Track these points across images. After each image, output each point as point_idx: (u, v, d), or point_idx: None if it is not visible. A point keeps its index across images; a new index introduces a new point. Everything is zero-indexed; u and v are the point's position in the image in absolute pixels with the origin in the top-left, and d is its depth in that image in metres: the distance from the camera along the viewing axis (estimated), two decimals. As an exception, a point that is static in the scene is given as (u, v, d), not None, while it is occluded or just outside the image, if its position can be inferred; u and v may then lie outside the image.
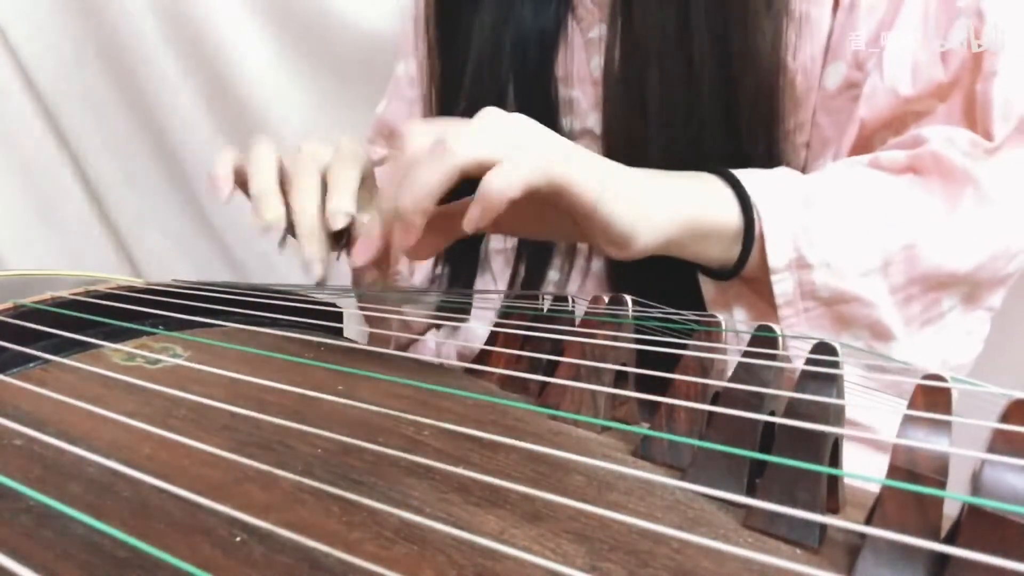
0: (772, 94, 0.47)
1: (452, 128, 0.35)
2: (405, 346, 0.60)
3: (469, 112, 0.57)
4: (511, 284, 0.57)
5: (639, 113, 0.49)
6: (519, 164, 0.33)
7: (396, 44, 0.69)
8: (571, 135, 0.54)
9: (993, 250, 0.44)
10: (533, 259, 0.56)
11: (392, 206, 0.33)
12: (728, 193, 0.43)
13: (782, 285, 0.43)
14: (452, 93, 0.57)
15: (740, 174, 0.43)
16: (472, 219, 0.32)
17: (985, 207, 0.44)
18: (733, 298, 0.46)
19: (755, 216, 0.42)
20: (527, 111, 0.54)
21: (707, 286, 0.47)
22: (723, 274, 0.45)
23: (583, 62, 0.53)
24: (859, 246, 0.43)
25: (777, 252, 0.43)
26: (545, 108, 0.54)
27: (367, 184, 0.44)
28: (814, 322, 0.44)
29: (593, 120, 0.53)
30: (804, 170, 0.50)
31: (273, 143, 0.44)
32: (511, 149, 0.33)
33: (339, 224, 0.40)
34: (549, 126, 0.54)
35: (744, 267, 0.43)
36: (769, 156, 0.48)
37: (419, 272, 0.63)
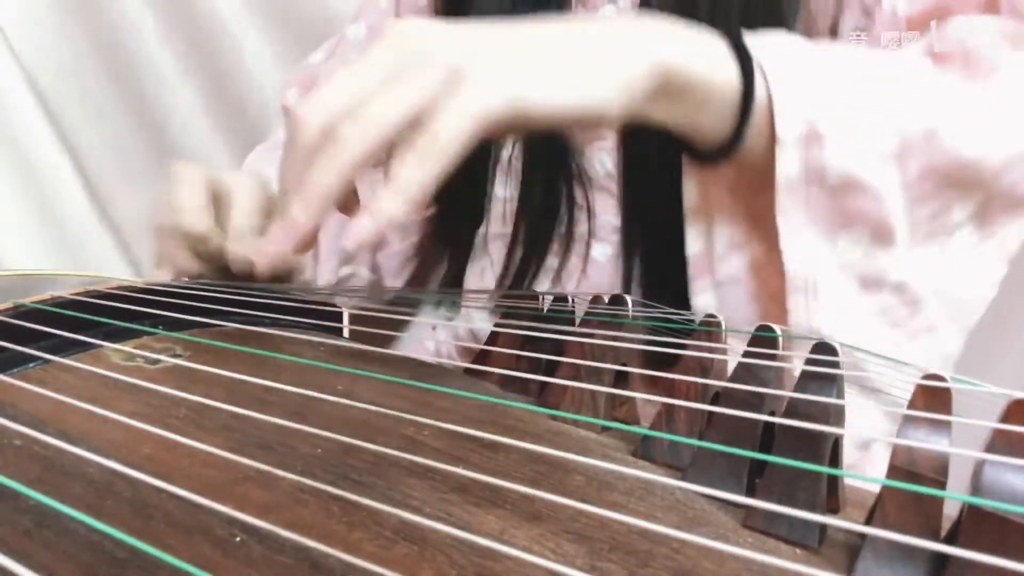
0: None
1: (345, 100, 0.30)
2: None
3: None
4: (504, 273, 0.56)
5: None
6: (438, 138, 0.28)
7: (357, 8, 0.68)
8: None
9: (1022, 148, 0.39)
10: (528, 247, 0.56)
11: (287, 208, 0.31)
12: (722, 46, 0.35)
13: (787, 165, 0.37)
14: None
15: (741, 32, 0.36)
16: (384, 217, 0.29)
17: (1016, 97, 0.40)
18: (715, 206, 0.42)
19: (758, 75, 0.35)
20: None
21: (689, 185, 0.42)
22: (714, 156, 0.39)
23: None
24: (876, 125, 0.38)
25: (787, 121, 0.36)
26: None
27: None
28: (815, 214, 0.39)
29: None
30: None
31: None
32: (421, 99, 0.29)
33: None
34: None
35: (740, 141, 0.36)
36: None
37: (325, 265, 0.62)
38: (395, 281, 0.67)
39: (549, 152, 0.54)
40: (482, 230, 0.59)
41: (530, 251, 0.56)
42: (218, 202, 0.45)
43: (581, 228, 0.54)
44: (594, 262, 0.55)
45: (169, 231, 0.44)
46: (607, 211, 0.54)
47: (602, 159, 0.53)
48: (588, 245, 0.54)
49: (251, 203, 0.45)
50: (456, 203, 0.59)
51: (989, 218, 0.42)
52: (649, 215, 0.51)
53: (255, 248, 0.39)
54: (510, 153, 0.55)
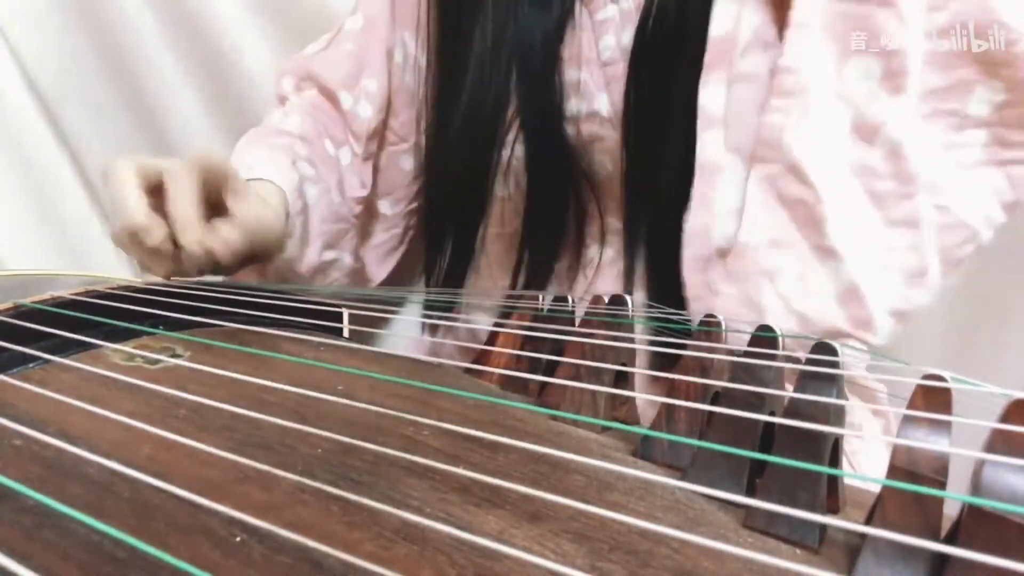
0: None
1: None
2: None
3: (471, 97, 0.56)
4: (515, 275, 0.56)
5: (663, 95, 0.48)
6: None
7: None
8: (578, 117, 0.54)
9: None
10: (538, 249, 0.56)
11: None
12: None
13: None
14: (454, 72, 0.57)
15: None
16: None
17: None
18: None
19: None
20: (531, 94, 0.54)
21: None
22: None
23: (591, 43, 0.53)
24: None
25: None
26: (550, 90, 0.54)
27: (232, 189, 0.44)
28: (834, 20, 0.39)
29: (600, 102, 0.53)
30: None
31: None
32: None
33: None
34: (555, 109, 0.54)
35: None
36: None
37: (311, 247, 0.60)
38: (377, 271, 0.67)
39: (553, 154, 0.54)
40: (481, 230, 0.59)
41: (540, 255, 0.55)
42: (160, 192, 0.42)
43: (585, 230, 0.54)
44: (598, 264, 0.55)
45: (120, 234, 0.42)
46: (608, 213, 0.54)
47: (603, 161, 0.53)
48: (600, 247, 0.54)
49: (186, 189, 0.42)
50: (457, 203, 0.59)
51: (1006, 134, 0.41)
52: (652, 216, 0.51)
53: (202, 233, 0.40)
54: (510, 153, 0.55)
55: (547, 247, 0.55)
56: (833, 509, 0.24)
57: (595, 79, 0.53)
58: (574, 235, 0.55)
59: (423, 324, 0.64)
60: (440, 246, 0.62)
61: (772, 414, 0.24)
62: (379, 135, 0.63)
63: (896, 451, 0.21)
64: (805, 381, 0.24)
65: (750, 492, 0.23)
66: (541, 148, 0.54)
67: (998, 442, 0.19)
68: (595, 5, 0.53)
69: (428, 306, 0.64)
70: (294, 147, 0.58)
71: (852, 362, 0.41)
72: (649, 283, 0.52)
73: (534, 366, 0.32)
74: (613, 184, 0.53)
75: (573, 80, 0.54)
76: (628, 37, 0.51)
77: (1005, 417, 0.20)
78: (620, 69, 0.52)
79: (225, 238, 0.42)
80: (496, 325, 0.36)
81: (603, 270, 0.54)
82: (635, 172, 0.51)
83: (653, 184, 0.50)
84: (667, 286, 0.50)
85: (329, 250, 0.60)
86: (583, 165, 0.53)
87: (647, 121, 0.50)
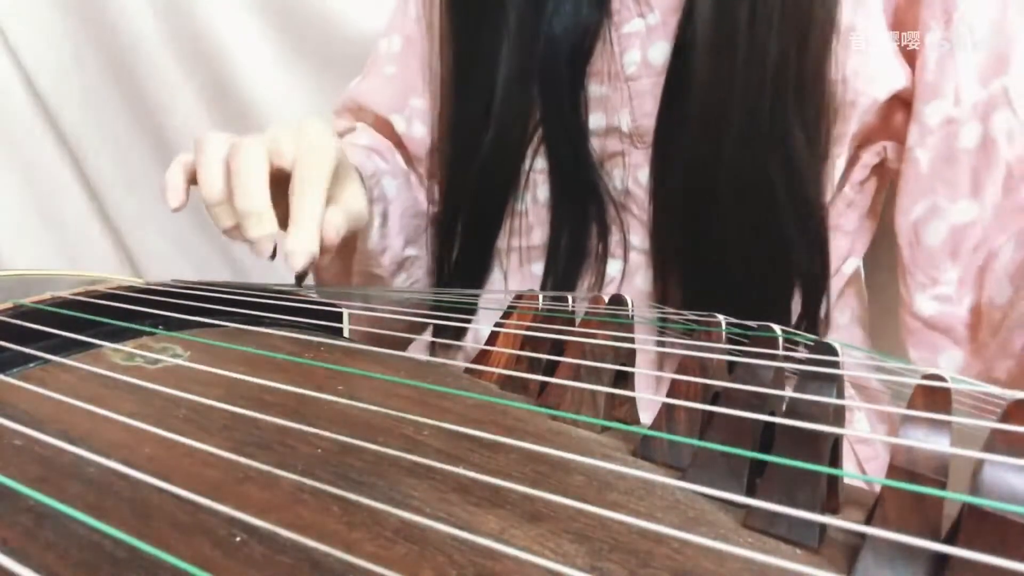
0: (819, 103, 0.47)
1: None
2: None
3: (499, 111, 0.56)
4: (543, 287, 0.56)
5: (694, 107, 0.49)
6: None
7: (386, 22, 0.67)
8: (599, 132, 0.54)
9: None
10: (561, 265, 0.55)
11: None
12: None
13: None
14: (474, 86, 0.56)
15: None
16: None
17: None
18: None
19: None
20: (555, 108, 0.54)
21: None
22: None
23: (615, 58, 0.53)
24: None
25: None
26: (575, 106, 0.54)
27: (338, 176, 0.42)
28: None
29: (622, 117, 0.53)
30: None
31: (222, 140, 0.44)
32: None
33: (299, 266, 0.38)
34: (577, 123, 0.54)
35: None
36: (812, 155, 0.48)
37: (388, 255, 0.60)
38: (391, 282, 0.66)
39: (576, 169, 0.54)
40: (496, 244, 0.59)
41: (563, 271, 0.55)
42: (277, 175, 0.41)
43: (607, 245, 0.54)
44: (620, 280, 0.54)
45: (233, 208, 0.40)
46: (627, 229, 0.54)
47: (621, 176, 0.53)
48: (623, 264, 0.54)
49: (317, 190, 0.41)
50: (475, 216, 0.59)
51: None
52: (681, 230, 0.51)
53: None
54: (529, 166, 0.55)
55: (570, 262, 0.55)
56: (833, 509, 0.24)
57: (618, 94, 0.53)
58: (597, 250, 0.55)
59: (431, 344, 0.64)
60: (451, 259, 0.61)
61: (772, 414, 0.24)
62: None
63: (896, 451, 0.21)
64: (805, 381, 0.24)
65: (750, 492, 0.23)
66: (564, 163, 0.54)
67: (998, 442, 0.19)
68: (620, 19, 0.52)
69: (437, 331, 0.63)
70: (368, 153, 0.58)
71: (854, 364, 0.41)
72: (685, 302, 0.51)
73: (534, 366, 0.32)
74: (632, 200, 0.53)
75: (597, 95, 0.53)
76: (655, 52, 0.51)
77: (1005, 417, 0.20)
78: (645, 84, 0.52)
79: (333, 224, 0.41)
80: (496, 325, 0.36)
81: (624, 286, 0.54)
82: (666, 190, 0.51)
83: (697, 204, 0.50)
84: (707, 307, 0.50)
85: (410, 246, 0.59)
86: (603, 180, 0.53)
87: (683, 138, 0.50)
